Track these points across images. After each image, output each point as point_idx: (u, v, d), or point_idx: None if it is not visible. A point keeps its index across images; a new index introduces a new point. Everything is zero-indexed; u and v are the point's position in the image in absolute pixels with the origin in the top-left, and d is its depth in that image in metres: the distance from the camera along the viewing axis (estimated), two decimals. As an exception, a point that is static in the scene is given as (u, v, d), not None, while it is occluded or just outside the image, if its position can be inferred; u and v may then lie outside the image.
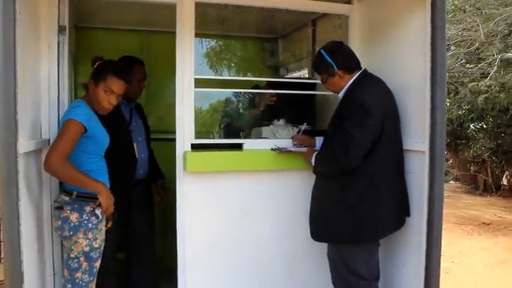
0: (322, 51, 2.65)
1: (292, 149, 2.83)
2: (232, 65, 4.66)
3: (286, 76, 4.39)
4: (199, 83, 2.87)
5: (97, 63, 2.47)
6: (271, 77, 4.25)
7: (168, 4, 2.82)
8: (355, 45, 3.09)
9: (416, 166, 2.63)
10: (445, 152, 11.08)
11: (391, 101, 2.61)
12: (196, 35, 2.88)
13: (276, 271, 3.02)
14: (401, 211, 2.67)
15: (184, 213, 2.83)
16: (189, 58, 2.82)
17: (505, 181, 9.68)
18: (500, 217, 7.71)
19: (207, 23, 3.69)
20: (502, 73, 7.56)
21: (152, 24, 4.07)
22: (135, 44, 4.20)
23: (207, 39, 4.30)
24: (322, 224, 2.64)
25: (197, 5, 2.82)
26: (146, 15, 3.77)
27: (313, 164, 2.66)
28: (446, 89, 2.90)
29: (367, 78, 2.62)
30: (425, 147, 2.52)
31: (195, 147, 2.84)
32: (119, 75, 2.42)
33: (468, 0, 8.71)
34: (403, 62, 2.79)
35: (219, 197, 2.90)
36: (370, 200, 2.51)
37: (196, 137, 2.87)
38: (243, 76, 4.46)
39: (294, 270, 3.04)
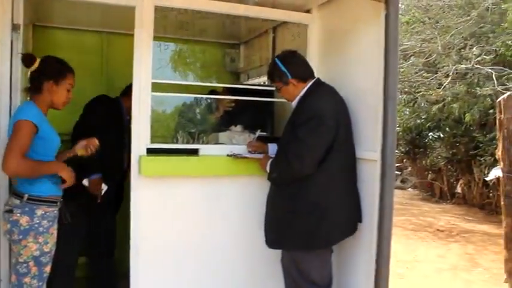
0: (276, 60, 2.69)
1: (247, 156, 2.84)
2: (193, 70, 4.62)
3: (246, 82, 4.40)
4: (160, 87, 2.86)
5: (38, 62, 2.39)
6: (232, 83, 4.26)
7: (127, 6, 2.79)
8: (313, 53, 3.16)
9: (368, 174, 2.69)
10: (404, 160, 11.57)
11: (344, 109, 2.67)
12: (156, 39, 2.86)
13: (231, 277, 3.01)
14: (353, 218, 2.72)
15: (138, 218, 2.79)
16: (146, 61, 2.79)
17: (459, 189, 9.94)
18: (453, 224, 7.91)
19: (167, 27, 3.66)
20: (456, 84, 7.82)
21: (113, 26, 4.02)
22: (95, 44, 4.16)
23: (167, 43, 4.25)
24: (276, 231, 2.66)
25: (157, 8, 2.80)
26: (107, 17, 3.73)
27: (267, 171, 2.68)
28: (400, 99, 2.99)
29: (320, 87, 2.68)
30: (377, 156, 2.58)
31: (151, 151, 2.81)
32: (72, 70, 2.46)
33: (427, 12, 8.98)
34: (357, 72, 2.86)
35: (174, 202, 2.87)
36: (323, 207, 2.55)
37: (158, 142, 2.85)
38: (204, 81, 4.42)
39: (249, 276, 3.04)
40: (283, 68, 2.64)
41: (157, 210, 2.84)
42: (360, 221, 2.73)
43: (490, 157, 7.77)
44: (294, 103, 2.69)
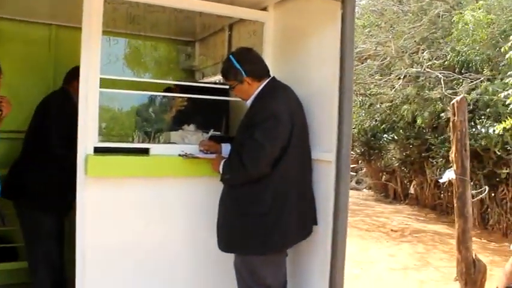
0: (231, 57, 2.60)
1: (199, 156, 2.74)
2: (146, 66, 4.47)
3: (202, 81, 4.30)
4: (114, 84, 2.75)
5: None
6: (187, 81, 4.14)
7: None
8: (269, 52, 3.10)
9: (323, 175, 2.65)
10: (359, 161, 11.77)
11: (300, 109, 2.62)
12: (106, 33, 2.73)
13: (182, 280, 2.90)
14: (309, 220, 2.67)
15: (84, 220, 2.63)
16: (95, 56, 2.64)
17: (412, 190, 10.16)
18: (406, 224, 8.06)
19: (117, 21, 3.51)
20: (409, 87, 8.02)
21: (62, 18, 3.84)
22: (43, 37, 3.96)
23: (116, 38, 4.08)
24: (229, 234, 2.57)
25: (106, 0, 2.66)
26: (56, 8, 3.55)
27: (220, 172, 2.59)
28: (353, 101, 2.98)
29: (276, 85, 2.61)
30: (332, 157, 2.54)
31: (100, 151, 2.68)
32: None
33: (382, 16, 9.15)
34: (313, 71, 2.82)
35: (122, 203, 2.73)
36: (278, 209, 2.48)
37: (115, 141, 2.70)
38: (158, 78, 4.28)
39: (201, 279, 2.93)
40: (237, 66, 2.55)
41: (105, 213, 2.69)
42: (316, 223, 2.68)
43: (441, 159, 7.95)
44: (249, 102, 2.61)
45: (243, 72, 2.55)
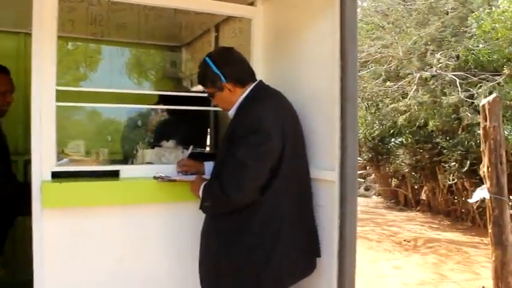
0: (207, 59, 2.15)
1: (176, 178, 2.30)
2: (130, 76, 4.08)
3: (192, 89, 3.89)
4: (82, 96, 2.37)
5: None
6: (173, 90, 3.73)
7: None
8: (257, 52, 2.70)
9: (325, 199, 2.20)
10: (367, 167, 11.35)
11: (293, 119, 2.16)
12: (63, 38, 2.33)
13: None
14: (309, 252, 2.21)
15: (43, 258, 2.23)
16: (49, 65, 2.27)
17: (423, 196, 9.76)
18: (419, 233, 7.69)
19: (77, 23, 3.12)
20: (420, 92, 7.58)
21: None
22: (11, 47, 3.66)
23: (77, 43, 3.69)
24: (213, 272, 2.10)
25: (61, -1, 2.27)
26: (23, 15, 3.16)
27: (200, 197, 2.14)
28: (362, 106, 2.53)
29: (263, 92, 2.15)
30: (335, 176, 2.09)
31: (58, 175, 2.28)
32: None
33: (387, 17, 8.75)
34: (309, 73, 2.39)
35: (87, 238, 2.32)
36: (271, 241, 2.02)
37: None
38: (139, 89, 3.89)
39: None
40: (216, 70, 2.10)
41: (68, 250, 2.29)
42: (319, 255, 2.22)
43: (454, 163, 7.61)
44: (231, 113, 2.16)
45: (222, 77, 2.10)
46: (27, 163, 2.78)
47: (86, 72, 3.76)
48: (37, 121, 2.24)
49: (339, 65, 2.09)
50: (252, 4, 2.77)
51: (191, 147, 2.43)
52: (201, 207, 2.13)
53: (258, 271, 2.00)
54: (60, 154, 2.49)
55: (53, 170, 2.27)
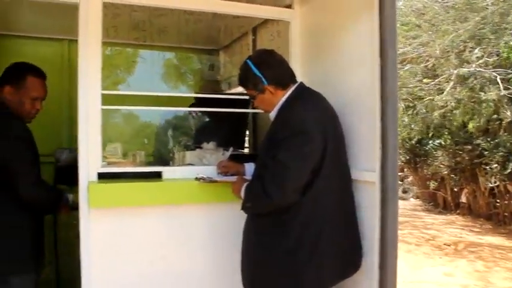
0: (248, 62, 2.17)
1: (217, 179, 2.34)
2: (172, 79, 4.18)
3: (229, 91, 3.94)
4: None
5: None
6: (211, 93, 3.80)
7: (70, 4, 2.35)
8: (296, 54, 2.72)
9: (365, 199, 2.19)
10: (405, 169, 11.14)
11: (334, 120, 2.16)
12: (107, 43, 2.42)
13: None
14: (351, 254, 2.20)
15: (90, 258, 2.30)
16: (95, 70, 2.34)
17: (463, 199, 9.52)
18: (460, 237, 7.50)
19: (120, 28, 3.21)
20: (457, 89, 7.39)
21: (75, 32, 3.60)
22: (55, 53, 3.78)
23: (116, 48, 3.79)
24: (254, 271, 2.13)
25: (105, 5, 2.35)
26: (66, 22, 3.28)
27: (242, 198, 2.17)
28: (399, 107, 2.51)
29: (304, 93, 2.16)
30: (375, 177, 2.09)
31: (104, 176, 2.34)
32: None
33: (423, 16, 8.58)
34: (349, 74, 2.38)
35: (131, 237, 2.38)
36: (312, 242, 2.03)
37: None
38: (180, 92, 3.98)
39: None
40: (257, 72, 2.12)
41: (114, 249, 2.35)
42: (361, 255, 2.21)
43: (496, 165, 7.39)
44: (272, 114, 2.18)
45: (264, 80, 2.12)
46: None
47: (127, 76, 3.87)
48: (84, 124, 2.32)
49: (378, 64, 2.08)
50: (289, 7, 2.79)
51: (231, 148, 2.47)
52: (243, 208, 2.16)
53: (300, 271, 2.02)
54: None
55: (99, 171, 2.34)
